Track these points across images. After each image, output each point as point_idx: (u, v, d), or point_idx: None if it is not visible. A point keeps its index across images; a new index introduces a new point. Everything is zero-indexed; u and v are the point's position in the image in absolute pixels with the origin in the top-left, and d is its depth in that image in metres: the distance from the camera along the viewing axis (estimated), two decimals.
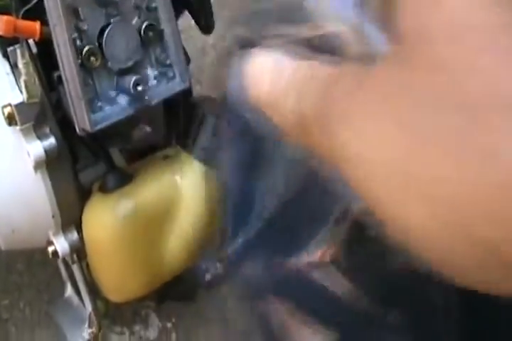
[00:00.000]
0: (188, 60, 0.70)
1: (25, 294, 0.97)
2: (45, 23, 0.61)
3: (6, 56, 0.66)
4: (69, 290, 0.88)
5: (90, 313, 0.80)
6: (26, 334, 0.93)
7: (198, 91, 0.76)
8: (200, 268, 0.99)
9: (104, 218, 0.70)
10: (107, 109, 0.63)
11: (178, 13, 0.69)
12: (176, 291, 0.96)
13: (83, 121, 0.61)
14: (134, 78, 0.62)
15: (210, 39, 0.73)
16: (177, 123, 0.74)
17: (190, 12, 0.74)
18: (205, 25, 0.76)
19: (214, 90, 0.35)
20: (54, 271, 0.92)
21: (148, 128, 0.70)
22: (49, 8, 0.60)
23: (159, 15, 0.66)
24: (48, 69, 0.65)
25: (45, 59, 0.65)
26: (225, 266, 1.00)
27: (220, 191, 0.71)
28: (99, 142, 0.71)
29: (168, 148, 0.77)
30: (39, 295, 0.96)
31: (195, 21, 0.75)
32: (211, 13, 0.76)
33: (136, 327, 0.93)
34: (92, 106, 0.61)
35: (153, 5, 0.66)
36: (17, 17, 0.61)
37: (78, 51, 0.61)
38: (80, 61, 0.61)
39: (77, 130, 0.63)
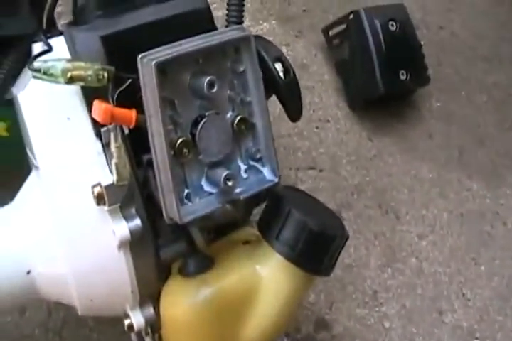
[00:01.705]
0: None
1: None
2: (137, 108, 0.63)
3: (98, 136, 0.67)
4: None
5: None
6: None
7: None
8: None
9: (183, 301, 0.70)
10: (196, 201, 0.63)
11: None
12: None
13: (172, 211, 0.61)
14: (225, 173, 0.62)
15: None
16: (257, 203, 0.74)
17: (278, 97, 0.75)
18: (293, 111, 0.76)
19: None
20: (122, 330, 0.92)
21: (228, 207, 0.69)
22: (146, 99, 0.61)
23: (253, 108, 0.67)
24: (138, 150, 0.66)
25: (136, 140, 0.66)
26: None
27: None
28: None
29: (247, 231, 0.77)
30: None
31: (283, 107, 0.76)
32: (300, 101, 0.76)
33: None
34: (181, 198, 0.62)
35: (248, 99, 0.66)
36: (112, 100, 0.63)
37: (172, 142, 0.62)
38: (172, 152, 0.62)
39: (165, 218, 0.63)
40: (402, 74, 1.21)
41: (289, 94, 0.74)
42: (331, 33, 1.30)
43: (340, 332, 1.05)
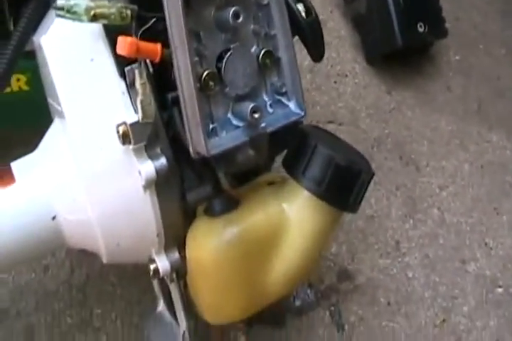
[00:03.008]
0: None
1: (117, 306, 0.98)
2: (162, 43, 0.62)
3: (123, 75, 0.67)
4: (161, 306, 0.88)
5: (184, 331, 0.80)
6: None
7: None
8: (291, 293, 0.99)
9: (209, 242, 0.70)
10: (223, 134, 0.63)
11: None
12: (265, 315, 0.95)
13: (199, 144, 0.61)
14: (251, 105, 0.62)
15: (306, 60, 0.74)
16: (281, 148, 0.74)
17: (301, 38, 0.74)
18: (316, 51, 0.76)
19: None
20: (145, 285, 0.93)
21: (251, 152, 0.69)
22: (172, 31, 0.61)
23: (278, 42, 0.66)
24: (162, 90, 0.66)
25: (160, 79, 0.66)
26: (315, 293, 1.00)
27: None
28: (206, 164, 0.72)
29: (270, 174, 0.77)
30: (131, 308, 0.98)
31: (306, 47, 0.75)
32: (323, 41, 0.75)
33: None
34: (207, 131, 0.62)
35: (272, 32, 0.66)
36: (137, 38, 0.63)
37: (198, 75, 0.61)
38: (198, 85, 0.61)
39: (192, 153, 0.63)
40: (420, 26, 1.20)
41: (311, 34, 0.74)
42: None
43: (363, 283, 1.05)
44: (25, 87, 0.92)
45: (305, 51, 0.76)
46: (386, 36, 1.20)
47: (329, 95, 1.20)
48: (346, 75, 1.23)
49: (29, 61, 0.77)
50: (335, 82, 1.22)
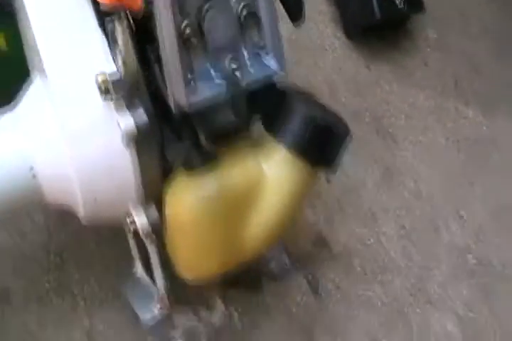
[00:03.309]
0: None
1: (94, 270, 0.99)
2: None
3: (102, 26, 0.67)
4: (139, 269, 0.89)
5: (161, 292, 0.81)
6: (95, 308, 0.95)
7: None
8: (267, 259, 1.00)
9: (188, 198, 0.71)
10: (204, 88, 0.64)
11: None
12: (242, 279, 0.96)
13: (180, 96, 0.62)
14: (229, 56, 0.63)
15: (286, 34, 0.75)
16: (259, 108, 0.75)
17: (281, 0, 0.75)
18: (296, 14, 0.76)
19: None
20: (123, 250, 0.93)
21: (230, 112, 0.70)
22: None
23: (258, 2, 0.67)
24: (143, 43, 0.67)
25: (141, 33, 0.66)
26: (292, 260, 1.01)
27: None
28: (185, 121, 0.72)
29: (249, 133, 0.78)
30: (108, 272, 0.98)
31: (285, 10, 0.76)
32: (302, 3, 0.76)
33: (201, 311, 0.94)
34: (188, 82, 0.62)
35: None
36: None
37: (179, 29, 0.62)
38: (179, 37, 0.62)
39: (173, 107, 0.64)
40: (398, 1, 1.21)
41: None
42: None
43: (340, 251, 1.07)
44: (3, 47, 0.92)
45: (286, 25, 0.76)
46: (364, 10, 1.21)
47: (309, 69, 1.21)
48: (326, 49, 1.24)
49: (7, 18, 0.78)
50: (314, 56, 1.23)
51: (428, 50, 1.30)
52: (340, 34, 1.26)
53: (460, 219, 1.14)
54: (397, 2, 1.20)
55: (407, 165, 1.17)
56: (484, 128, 1.25)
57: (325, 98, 1.17)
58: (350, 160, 1.08)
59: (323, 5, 1.29)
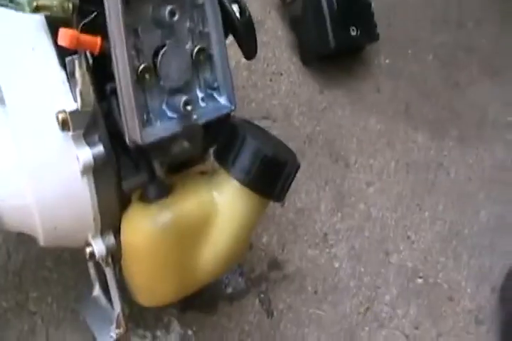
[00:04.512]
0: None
1: (53, 290, 1.00)
2: (102, 36, 0.66)
3: (63, 65, 0.70)
4: (97, 290, 0.91)
5: (119, 314, 0.84)
6: (52, 328, 0.97)
7: None
8: (223, 281, 1.04)
9: (143, 226, 0.74)
10: (157, 124, 0.67)
11: None
12: (197, 301, 1.00)
13: (135, 133, 0.65)
14: (184, 98, 0.66)
15: (243, 58, 0.79)
16: (213, 141, 0.78)
17: (235, 37, 0.79)
18: (249, 51, 0.80)
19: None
20: (81, 271, 0.96)
21: (186, 143, 0.73)
22: (111, 26, 0.64)
23: (211, 40, 0.71)
24: (101, 81, 0.70)
25: (99, 70, 0.69)
26: (246, 281, 1.05)
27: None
28: (142, 153, 0.75)
29: (203, 165, 0.82)
30: (67, 292, 1.00)
31: (239, 46, 0.80)
32: (255, 39, 0.80)
33: (158, 333, 0.97)
34: (142, 121, 0.66)
35: (206, 30, 0.70)
36: (78, 30, 0.66)
37: (134, 68, 0.65)
38: (135, 77, 0.65)
39: (127, 141, 0.67)
40: (353, 30, 1.25)
41: (245, 33, 0.78)
42: None
43: (292, 272, 1.11)
44: None
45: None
46: (320, 38, 1.25)
47: (264, 92, 1.24)
48: (281, 74, 1.28)
49: None
50: (270, 80, 1.26)
51: (381, 76, 1.35)
52: (296, 59, 1.30)
53: (408, 240, 1.19)
54: (352, 32, 1.25)
55: (357, 187, 1.22)
56: (432, 152, 1.30)
57: (280, 121, 1.22)
58: (303, 182, 1.13)
59: (280, 30, 1.33)
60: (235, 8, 0.78)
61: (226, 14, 0.76)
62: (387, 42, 1.36)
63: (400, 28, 1.44)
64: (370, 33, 1.29)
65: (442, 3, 1.52)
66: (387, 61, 1.38)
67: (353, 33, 1.25)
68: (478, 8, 1.54)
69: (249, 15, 0.79)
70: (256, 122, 1.11)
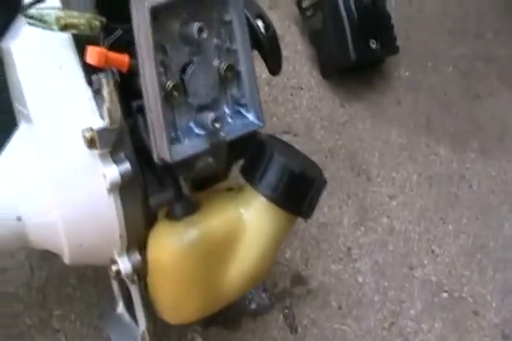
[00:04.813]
0: None
1: (76, 307, 1.00)
2: (129, 54, 0.66)
3: (90, 83, 0.70)
4: (120, 308, 0.91)
5: (143, 332, 0.83)
6: None
7: None
8: (246, 296, 1.03)
9: (170, 244, 0.74)
10: (185, 142, 0.67)
11: None
12: (221, 317, 0.99)
13: (163, 151, 0.65)
14: (212, 115, 0.66)
15: (264, 73, 0.79)
16: (237, 156, 0.78)
17: (260, 52, 0.79)
18: (274, 65, 0.80)
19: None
20: (104, 287, 0.95)
21: (210, 159, 0.73)
22: (139, 43, 0.65)
23: (238, 56, 0.71)
24: (128, 98, 0.70)
25: (126, 87, 0.69)
26: (269, 297, 1.04)
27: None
28: (167, 170, 0.75)
29: (229, 181, 0.81)
30: (90, 309, 1.00)
31: (265, 61, 0.80)
32: (280, 55, 0.80)
33: None
34: (171, 138, 0.66)
35: (234, 47, 0.70)
36: (106, 48, 0.66)
37: (163, 85, 0.65)
38: (163, 94, 0.65)
39: (155, 159, 0.67)
40: (373, 43, 1.25)
41: (270, 48, 0.78)
42: (303, 4, 1.34)
43: (316, 287, 1.10)
44: None
45: (264, 65, 0.80)
46: (340, 52, 1.25)
47: (285, 107, 1.24)
48: (302, 88, 1.28)
49: None
50: (291, 95, 1.26)
51: (401, 89, 1.35)
52: (316, 73, 1.30)
53: (432, 254, 1.18)
54: (372, 45, 1.25)
55: (380, 201, 1.21)
56: (454, 164, 1.29)
57: (301, 136, 1.22)
58: (325, 197, 1.12)
59: (300, 44, 1.33)
60: (260, 23, 0.78)
61: (251, 30, 0.76)
62: (406, 54, 1.36)
63: (419, 40, 1.43)
64: (389, 45, 1.29)
65: (460, 14, 1.52)
66: (407, 73, 1.37)
67: (373, 46, 1.25)
68: (496, 19, 1.53)
69: (274, 31, 0.79)
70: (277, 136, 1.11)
